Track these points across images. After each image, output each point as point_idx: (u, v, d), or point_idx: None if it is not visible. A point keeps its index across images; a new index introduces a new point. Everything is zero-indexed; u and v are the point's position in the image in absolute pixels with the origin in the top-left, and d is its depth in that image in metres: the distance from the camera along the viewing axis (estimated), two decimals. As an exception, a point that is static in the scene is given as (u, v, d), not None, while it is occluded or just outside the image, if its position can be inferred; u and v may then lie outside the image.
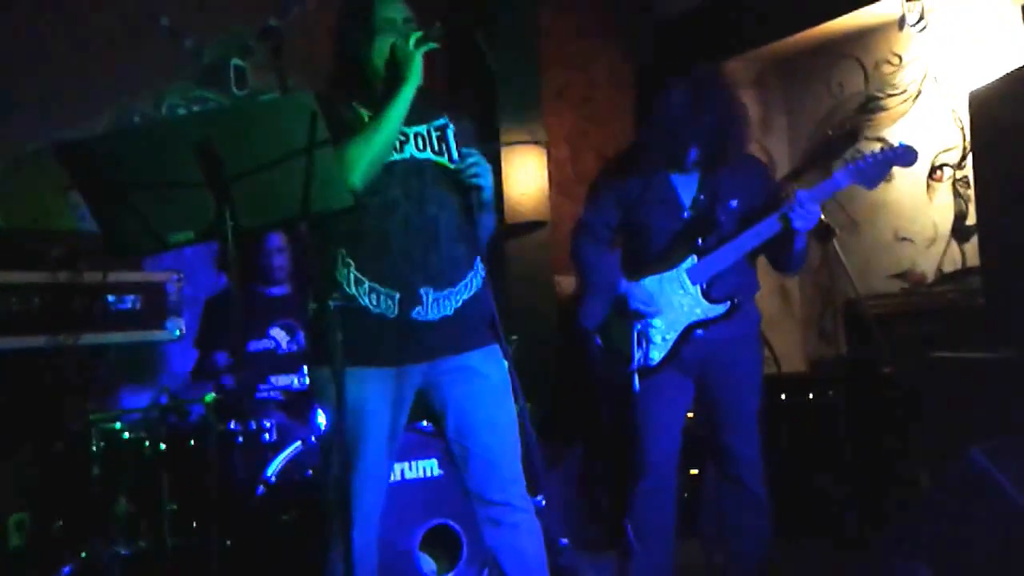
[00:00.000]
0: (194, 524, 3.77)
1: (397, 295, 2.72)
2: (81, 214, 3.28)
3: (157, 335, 3.63)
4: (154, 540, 3.68)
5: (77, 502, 3.64)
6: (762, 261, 3.54)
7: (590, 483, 4.64)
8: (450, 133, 2.89)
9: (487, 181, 2.79)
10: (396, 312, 2.72)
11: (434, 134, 2.86)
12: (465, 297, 2.82)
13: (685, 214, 3.40)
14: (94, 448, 3.64)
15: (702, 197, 3.38)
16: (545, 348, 5.48)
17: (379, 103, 2.70)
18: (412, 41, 2.70)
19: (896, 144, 3.33)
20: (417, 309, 2.73)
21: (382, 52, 2.76)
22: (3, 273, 3.14)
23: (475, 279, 2.86)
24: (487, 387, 2.83)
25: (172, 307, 3.61)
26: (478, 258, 2.88)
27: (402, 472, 3.60)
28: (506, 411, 2.86)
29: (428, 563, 3.68)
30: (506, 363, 2.89)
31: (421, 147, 2.82)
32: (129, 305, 3.49)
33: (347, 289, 2.72)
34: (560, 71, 6.19)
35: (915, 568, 2.91)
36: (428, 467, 3.70)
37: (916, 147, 3.30)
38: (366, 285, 2.72)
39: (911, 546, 2.96)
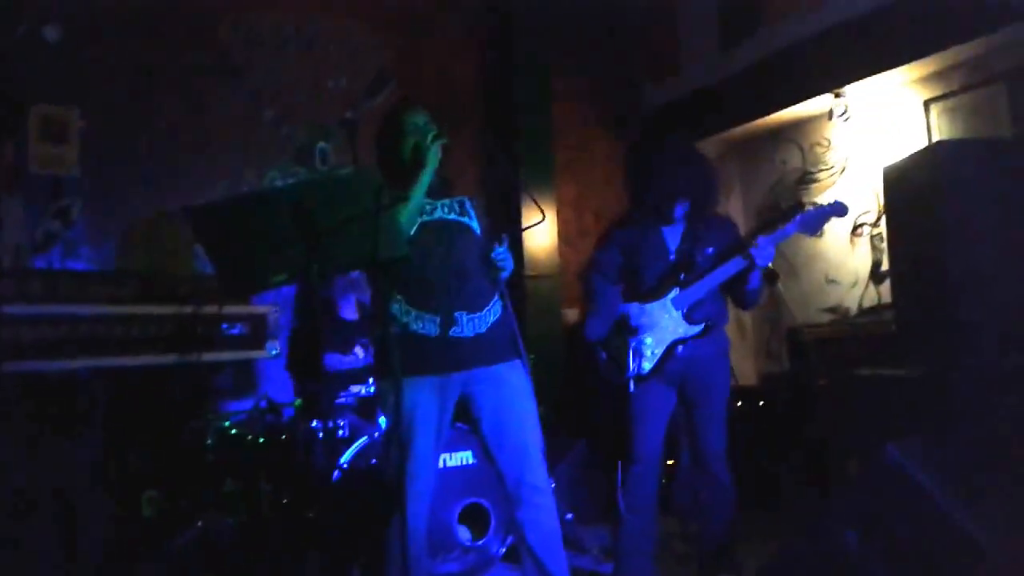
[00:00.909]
0: (284, 500, 3.78)
1: (438, 318, 2.77)
2: (203, 261, 3.30)
3: (259, 354, 3.65)
4: (253, 513, 3.70)
5: (195, 483, 3.65)
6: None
7: (588, 470, 4.62)
8: (468, 204, 2.98)
9: (509, 268, 2.87)
10: (438, 332, 2.77)
11: (455, 204, 2.95)
12: (491, 320, 2.87)
13: (671, 257, 3.41)
14: (208, 441, 3.66)
15: (684, 245, 3.40)
16: (555, 364, 5.50)
17: (408, 182, 2.77)
18: (429, 138, 2.80)
19: (832, 200, 3.35)
20: (454, 329, 2.78)
21: (408, 147, 2.86)
22: (145, 306, 3.17)
23: (496, 306, 2.92)
24: (514, 392, 2.87)
25: (271, 333, 3.63)
26: (497, 294, 2.94)
27: (444, 461, 3.61)
28: (530, 411, 2.88)
29: (464, 532, 3.68)
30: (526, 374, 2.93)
31: (447, 211, 2.91)
32: (239, 331, 3.51)
33: (400, 318, 2.78)
34: (568, 151, 6.23)
35: (846, 534, 2.90)
36: (464, 457, 3.71)
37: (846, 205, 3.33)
38: (413, 313, 2.78)
39: (843, 517, 2.95)
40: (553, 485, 3.44)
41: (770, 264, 3.28)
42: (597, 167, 6.41)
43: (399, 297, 2.80)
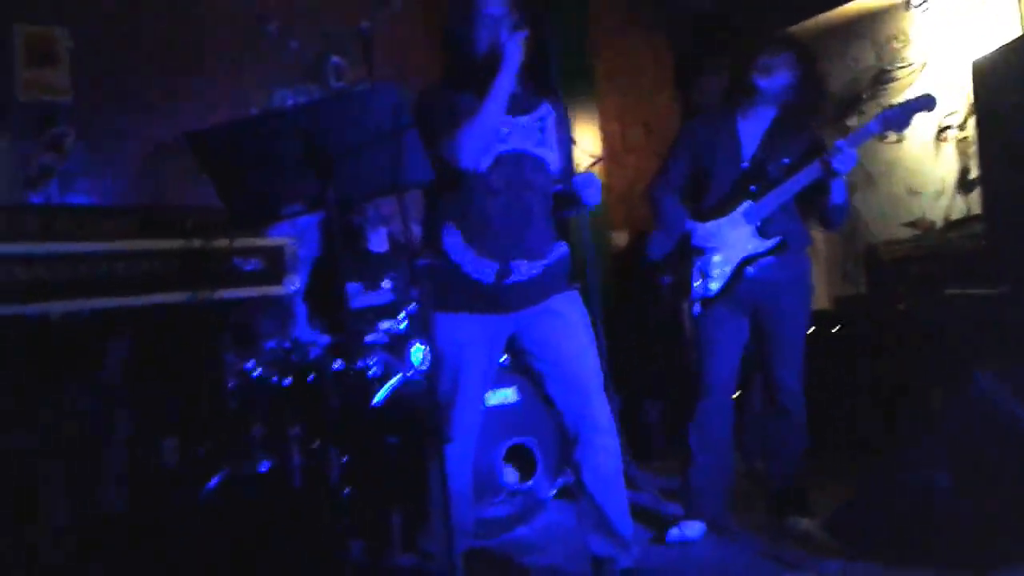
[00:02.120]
0: (315, 444, 3.80)
1: (495, 266, 2.69)
2: (211, 192, 3.26)
3: (276, 290, 3.63)
4: (282, 459, 3.71)
5: (218, 428, 3.67)
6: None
7: (642, 406, 4.58)
8: (549, 123, 2.81)
9: (596, 201, 2.72)
10: (492, 280, 2.69)
11: (535, 126, 2.77)
12: (551, 262, 2.79)
13: (744, 164, 3.30)
14: (230, 384, 3.67)
15: (761, 153, 3.27)
16: (603, 293, 5.41)
17: (483, 90, 2.60)
18: (507, 30, 2.60)
19: (920, 94, 3.18)
20: (510, 277, 2.71)
21: (481, 42, 2.66)
22: (148, 241, 3.15)
23: (559, 248, 2.83)
24: (569, 325, 2.80)
25: (288, 267, 3.61)
26: (560, 240, 2.86)
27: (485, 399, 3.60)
28: (588, 344, 2.82)
29: (510, 474, 3.68)
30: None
31: (523, 137, 2.73)
32: (253, 266, 3.49)
33: (452, 256, 2.70)
34: (611, 58, 6.03)
35: (936, 476, 2.83)
36: (507, 395, 3.69)
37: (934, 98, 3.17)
38: (470, 255, 2.69)
39: (930, 456, 2.88)
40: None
41: (848, 172, 3.13)
42: (645, 74, 6.21)
43: (455, 232, 2.71)
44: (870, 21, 5.61)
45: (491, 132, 2.62)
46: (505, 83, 2.59)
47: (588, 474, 2.79)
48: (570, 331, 2.80)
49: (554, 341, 2.79)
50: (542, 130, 2.79)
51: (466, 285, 2.69)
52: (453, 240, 2.71)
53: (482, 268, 2.69)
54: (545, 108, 2.82)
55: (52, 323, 2.81)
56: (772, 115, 3.31)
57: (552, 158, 2.80)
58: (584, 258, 2.95)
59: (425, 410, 3.04)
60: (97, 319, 2.94)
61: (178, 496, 3.40)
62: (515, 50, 2.58)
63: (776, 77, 3.22)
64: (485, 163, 2.64)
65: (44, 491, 2.73)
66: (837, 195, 3.19)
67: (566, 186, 2.78)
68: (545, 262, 2.77)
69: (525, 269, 2.73)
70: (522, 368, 3.08)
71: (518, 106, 2.71)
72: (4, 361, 2.66)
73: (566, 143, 2.88)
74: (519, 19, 2.61)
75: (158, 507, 3.29)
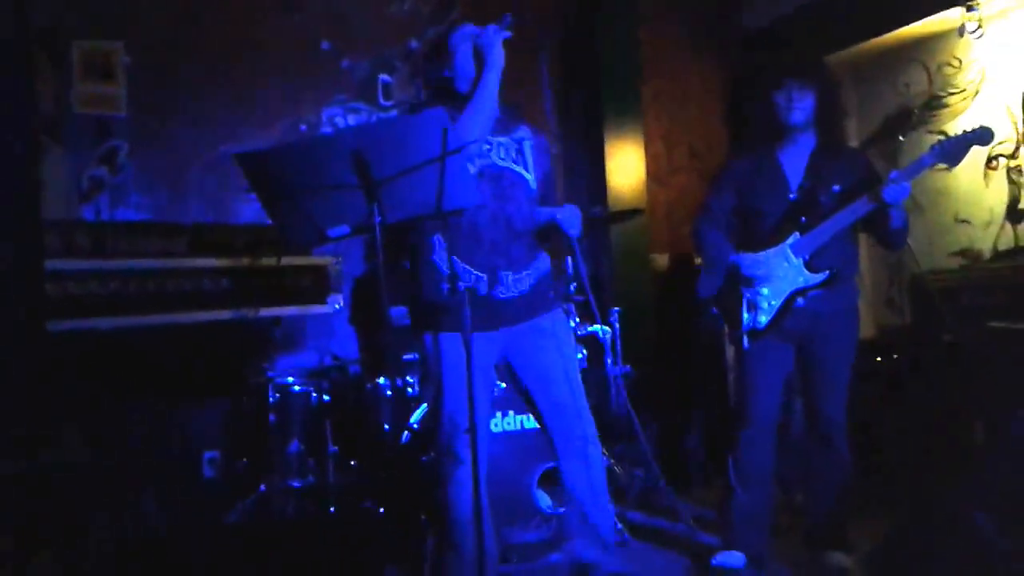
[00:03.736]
0: (352, 463, 3.84)
1: (485, 277, 2.76)
2: (260, 210, 3.34)
3: (320, 309, 3.69)
4: (319, 476, 3.76)
5: (258, 443, 3.73)
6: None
7: (684, 434, 4.57)
8: (527, 146, 2.91)
9: (577, 233, 2.83)
10: (485, 292, 2.76)
11: (513, 146, 2.88)
12: (537, 277, 2.88)
13: (792, 196, 3.28)
14: (271, 399, 3.73)
15: (808, 182, 3.27)
16: (645, 316, 5.42)
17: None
18: (489, 31, 2.70)
19: (976, 126, 3.16)
20: (499, 288, 2.79)
21: (466, 55, 2.77)
22: (198, 259, 3.21)
23: (542, 261, 2.92)
24: (553, 342, 2.89)
25: (333, 286, 3.66)
26: (542, 251, 2.94)
27: (521, 423, 3.61)
28: (572, 362, 2.95)
29: (544, 499, 3.69)
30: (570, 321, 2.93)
31: (502, 156, 2.85)
32: (298, 284, 3.54)
33: (441, 267, 2.78)
34: (659, 80, 6.04)
35: (976, 516, 2.80)
36: (544, 419, 3.69)
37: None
38: (461, 266, 2.75)
39: (971, 496, 2.85)
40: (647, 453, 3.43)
41: (902, 202, 3.11)
42: (691, 98, 6.20)
43: (443, 242, 2.79)
44: (924, 46, 5.55)
45: (492, 110, 2.70)
46: (494, 77, 2.69)
47: (574, 482, 2.88)
48: (557, 350, 2.89)
49: (542, 360, 2.88)
50: (519, 151, 2.89)
51: (456, 300, 2.72)
52: (443, 254, 2.78)
53: (470, 278, 2.75)
54: (523, 131, 2.93)
55: (101, 338, 2.88)
56: (812, 142, 3.31)
57: (530, 178, 2.89)
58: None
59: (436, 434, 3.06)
60: (145, 334, 3.00)
61: (216, 510, 3.45)
62: (499, 47, 2.70)
63: (799, 109, 3.23)
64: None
65: (89, 507, 2.78)
66: (896, 220, 3.17)
67: (548, 215, 2.86)
68: (531, 274, 2.85)
69: (513, 281, 2.79)
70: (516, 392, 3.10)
71: (499, 126, 2.81)
72: (55, 375, 2.74)
73: (544, 169, 2.97)
74: (501, 24, 2.70)
75: (196, 523, 3.34)
